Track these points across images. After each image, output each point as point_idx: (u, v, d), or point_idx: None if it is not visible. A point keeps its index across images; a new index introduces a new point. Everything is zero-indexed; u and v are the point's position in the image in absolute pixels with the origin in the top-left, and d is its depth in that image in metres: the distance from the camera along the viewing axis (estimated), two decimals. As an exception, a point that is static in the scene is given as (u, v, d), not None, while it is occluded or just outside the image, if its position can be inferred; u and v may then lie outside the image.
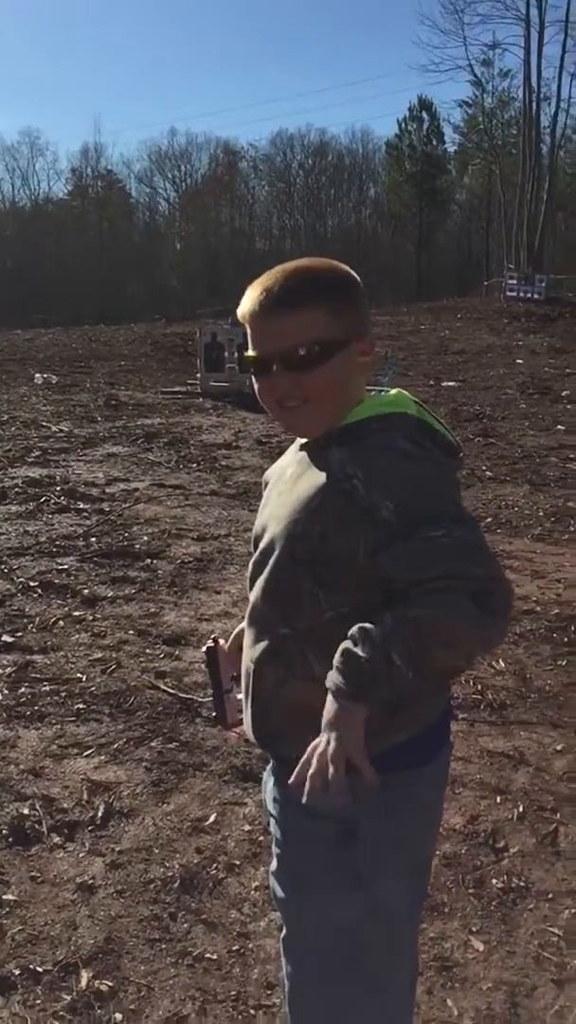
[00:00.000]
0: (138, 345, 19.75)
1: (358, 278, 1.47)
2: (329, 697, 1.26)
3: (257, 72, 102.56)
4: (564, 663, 4.19)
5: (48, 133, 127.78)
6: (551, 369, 15.62)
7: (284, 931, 1.51)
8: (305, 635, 1.37)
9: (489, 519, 6.65)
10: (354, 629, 1.25)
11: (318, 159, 62.74)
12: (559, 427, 10.42)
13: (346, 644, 1.25)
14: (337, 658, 1.25)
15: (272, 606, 1.42)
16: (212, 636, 1.45)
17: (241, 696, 1.52)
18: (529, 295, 26.37)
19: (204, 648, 1.57)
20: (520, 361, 16.76)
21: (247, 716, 1.50)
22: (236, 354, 12.41)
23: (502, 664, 4.15)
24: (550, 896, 2.64)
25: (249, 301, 1.41)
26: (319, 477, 1.37)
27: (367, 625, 1.24)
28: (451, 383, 14.09)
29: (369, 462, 1.32)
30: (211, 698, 1.76)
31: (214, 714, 1.78)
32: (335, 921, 1.41)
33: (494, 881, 2.69)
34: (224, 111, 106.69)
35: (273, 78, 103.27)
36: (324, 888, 1.41)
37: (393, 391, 1.47)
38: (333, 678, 1.25)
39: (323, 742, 1.24)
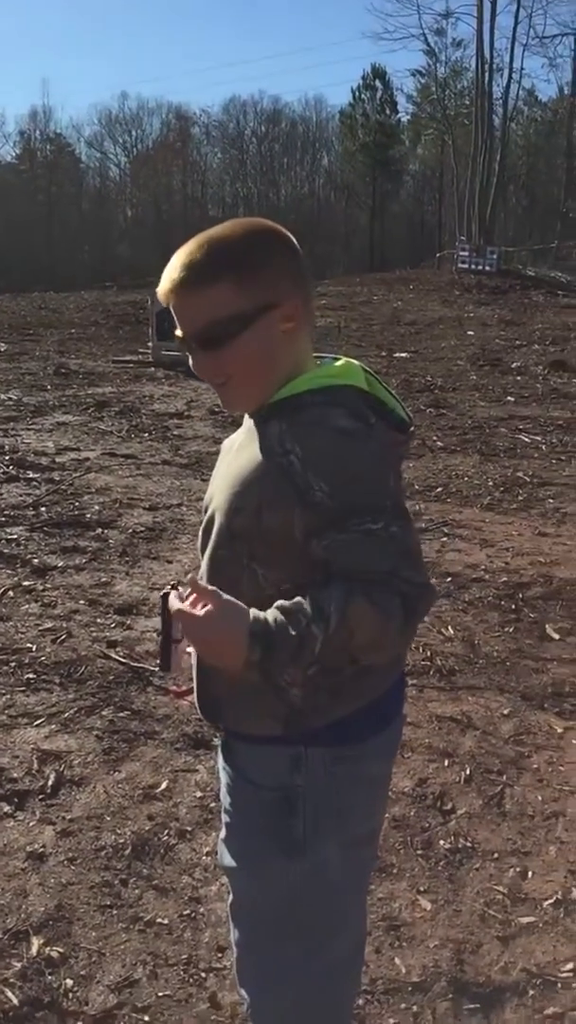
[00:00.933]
0: (88, 313, 19.46)
1: (275, 238, 1.37)
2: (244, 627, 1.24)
3: (210, 36, 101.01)
4: (511, 630, 4.25)
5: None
6: (501, 341, 15.71)
7: (230, 896, 1.53)
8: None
9: (439, 489, 6.70)
10: (291, 603, 1.24)
11: (271, 126, 62.08)
12: (509, 398, 10.51)
13: (279, 614, 1.24)
14: (270, 616, 1.24)
15: (214, 579, 1.39)
16: (171, 583, 1.42)
17: (191, 650, 1.53)
18: (480, 267, 26.43)
19: (161, 593, 1.56)
20: (471, 333, 16.84)
21: (195, 685, 1.50)
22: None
23: (451, 631, 4.21)
24: (495, 856, 2.70)
25: (162, 281, 1.35)
26: (257, 450, 1.33)
27: (303, 604, 1.23)
28: (403, 354, 14.11)
29: (306, 439, 1.27)
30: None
31: (158, 662, 1.76)
32: (275, 887, 1.43)
33: (441, 842, 2.74)
34: (176, 76, 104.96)
35: (226, 43, 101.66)
36: (265, 855, 1.42)
37: (341, 360, 1.40)
38: (255, 627, 1.23)
39: (208, 618, 1.25)
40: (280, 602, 1.25)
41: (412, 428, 1.43)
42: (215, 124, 61.83)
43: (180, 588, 1.56)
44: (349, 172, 58.70)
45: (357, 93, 56.04)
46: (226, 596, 1.26)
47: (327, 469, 1.24)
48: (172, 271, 1.33)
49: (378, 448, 1.29)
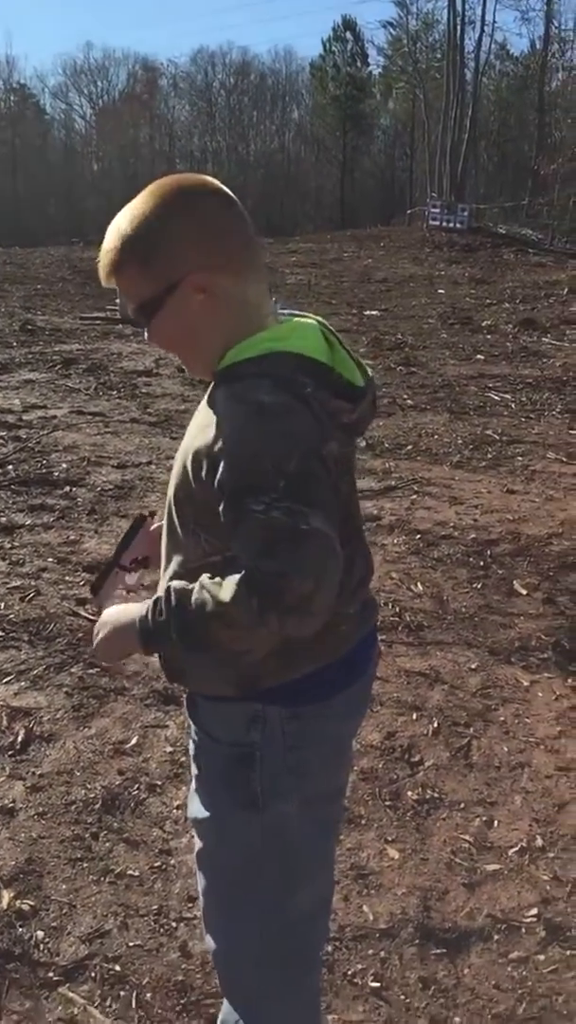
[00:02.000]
0: (55, 269, 19.17)
1: (178, 208, 1.33)
2: (136, 610, 1.31)
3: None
4: (479, 586, 4.29)
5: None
6: (472, 299, 15.67)
7: (196, 847, 1.54)
8: (195, 575, 1.27)
9: (409, 447, 6.71)
10: (181, 588, 1.25)
11: (240, 79, 60.98)
12: (479, 357, 10.51)
13: (160, 595, 1.27)
14: (159, 599, 1.27)
15: (168, 541, 1.42)
16: (150, 510, 1.40)
17: (131, 582, 1.52)
18: (452, 224, 26.26)
19: (135, 514, 1.54)
20: (442, 291, 16.78)
21: None
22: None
23: (420, 587, 4.23)
24: (462, 806, 2.74)
25: None
26: (201, 415, 1.34)
27: (179, 587, 1.25)
28: (373, 312, 14.04)
29: (226, 411, 1.25)
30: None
31: (93, 578, 1.71)
32: (235, 839, 1.45)
33: (409, 793, 2.78)
34: (143, 25, 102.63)
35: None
36: (226, 807, 1.44)
37: (290, 322, 1.37)
38: (141, 611, 1.30)
39: (99, 629, 1.41)
40: (176, 585, 1.26)
41: (367, 392, 1.38)
42: (183, 76, 60.69)
43: (155, 518, 1.54)
44: (319, 126, 57.88)
45: (328, 45, 55.15)
46: (115, 618, 1.39)
47: (231, 444, 1.22)
48: (100, 257, 1.36)
49: (292, 425, 1.22)
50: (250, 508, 1.18)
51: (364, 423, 1.42)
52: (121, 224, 1.34)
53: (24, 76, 63.00)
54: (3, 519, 4.95)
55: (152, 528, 1.65)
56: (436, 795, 2.78)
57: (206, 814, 1.48)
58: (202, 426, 1.31)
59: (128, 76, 60.60)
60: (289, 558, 1.16)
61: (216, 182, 1.40)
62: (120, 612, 1.39)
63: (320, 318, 1.44)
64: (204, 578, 1.23)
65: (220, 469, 1.22)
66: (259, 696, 1.36)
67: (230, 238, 1.35)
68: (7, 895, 2.31)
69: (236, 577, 1.18)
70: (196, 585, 1.23)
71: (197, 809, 1.50)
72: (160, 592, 1.29)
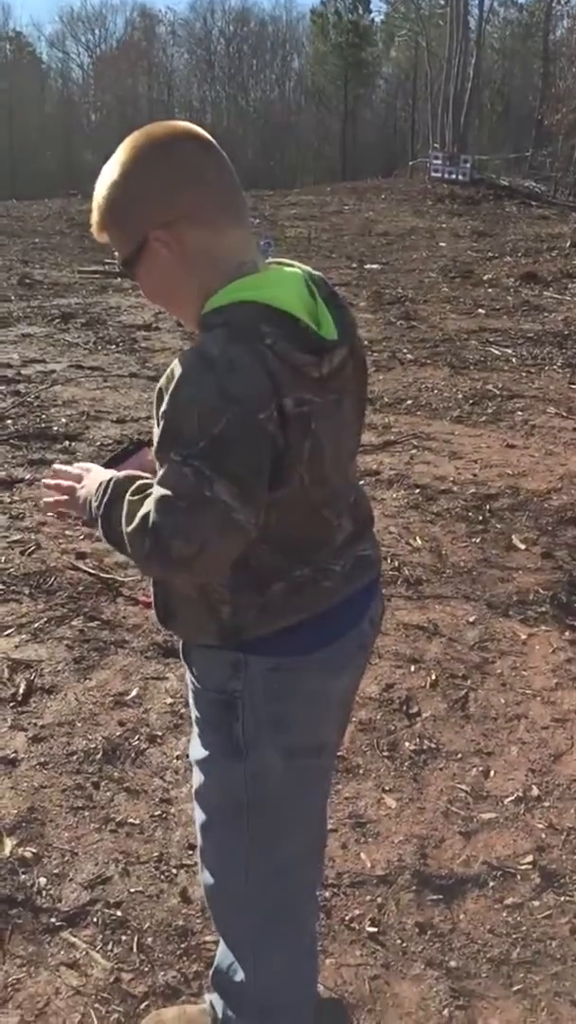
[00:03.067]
0: (53, 222, 18.94)
1: (143, 163, 1.33)
2: (103, 485, 1.42)
3: None
4: (478, 540, 4.29)
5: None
6: (473, 253, 15.51)
7: (193, 785, 1.58)
8: None
9: (409, 401, 6.68)
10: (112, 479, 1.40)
11: (240, 26, 59.83)
12: (480, 311, 10.42)
13: (103, 482, 1.42)
14: (102, 484, 1.42)
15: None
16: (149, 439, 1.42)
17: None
18: (454, 176, 25.91)
19: (135, 438, 1.54)
20: (443, 244, 16.59)
21: (153, 597, 1.52)
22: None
23: (419, 541, 4.24)
24: (459, 756, 2.77)
25: None
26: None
27: (117, 485, 1.38)
28: (374, 265, 13.90)
29: (183, 358, 1.26)
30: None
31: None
32: (223, 784, 1.48)
33: (407, 744, 2.81)
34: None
35: None
36: (215, 753, 1.48)
37: (268, 271, 1.36)
38: (93, 490, 1.44)
39: (76, 491, 1.51)
40: (115, 481, 1.41)
41: (339, 346, 1.35)
42: (181, 23, 59.53)
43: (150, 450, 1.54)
44: (320, 75, 56.85)
45: (329, -10, 53.99)
46: (90, 479, 1.49)
47: (174, 389, 1.23)
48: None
49: (232, 383, 1.21)
50: (170, 456, 1.22)
51: (344, 378, 1.38)
52: (99, 184, 1.38)
53: (20, 24, 61.78)
54: (3, 473, 4.94)
55: (148, 459, 1.64)
56: (433, 746, 2.81)
57: (199, 755, 1.51)
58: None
59: (126, 24, 59.50)
60: (181, 520, 1.21)
61: (191, 127, 1.39)
62: (94, 479, 1.48)
63: (308, 268, 1.42)
64: (144, 498, 1.31)
65: (163, 415, 1.25)
66: (242, 646, 1.39)
67: (198, 188, 1.34)
68: (10, 843, 2.35)
69: (144, 511, 1.27)
70: (128, 496, 1.34)
71: (194, 749, 1.54)
72: (107, 478, 1.42)
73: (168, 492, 1.22)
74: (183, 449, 1.21)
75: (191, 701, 1.52)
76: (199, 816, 1.56)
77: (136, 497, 1.33)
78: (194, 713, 1.53)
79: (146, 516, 1.25)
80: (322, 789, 1.59)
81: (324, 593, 1.42)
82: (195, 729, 1.54)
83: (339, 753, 2.71)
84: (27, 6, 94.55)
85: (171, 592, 1.45)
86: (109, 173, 1.36)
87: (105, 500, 1.39)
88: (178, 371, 1.24)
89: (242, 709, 1.41)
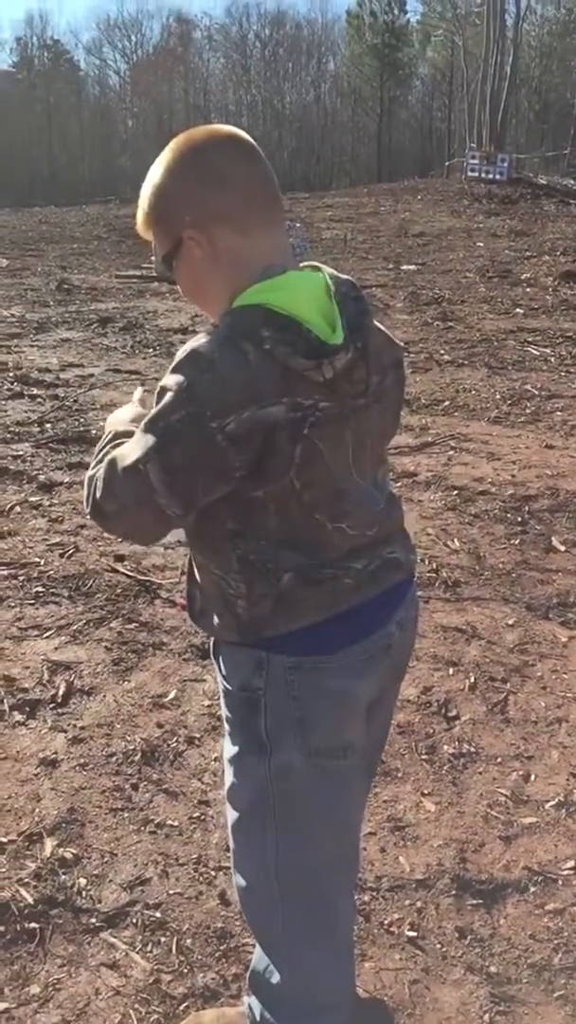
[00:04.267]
0: (91, 227, 19.13)
1: (181, 169, 1.39)
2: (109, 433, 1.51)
3: None
4: (517, 542, 4.26)
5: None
6: (511, 252, 15.40)
7: (225, 784, 1.59)
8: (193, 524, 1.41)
9: (447, 402, 6.65)
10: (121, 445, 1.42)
11: (276, 29, 59.94)
12: (518, 310, 10.35)
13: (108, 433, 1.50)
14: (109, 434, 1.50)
15: None
16: None
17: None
18: (491, 176, 25.73)
19: None
20: (480, 244, 16.50)
21: (186, 594, 1.57)
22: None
23: (457, 543, 4.21)
24: (499, 760, 2.74)
25: None
26: None
27: (115, 435, 1.46)
28: (410, 266, 13.86)
29: (182, 350, 1.32)
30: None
31: None
32: (249, 782, 1.49)
33: (446, 747, 2.79)
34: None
35: None
36: (242, 751, 1.48)
37: (286, 274, 1.37)
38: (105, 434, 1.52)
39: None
40: (115, 432, 1.49)
41: (343, 350, 1.32)
42: (217, 27, 59.78)
43: None
44: (356, 77, 56.77)
45: (365, -8, 53.93)
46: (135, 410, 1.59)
47: (166, 375, 1.31)
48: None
49: (203, 383, 1.25)
50: (143, 424, 1.31)
51: (358, 382, 1.37)
52: (144, 184, 1.44)
53: (58, 32, 62.37)
54: (42, 477, 4.99)
55: None
56: (472, 749, 2.79)
57: (229, 754, 1.52)
58: None
59: (162, 29, 59.89)
60: (115, 480, 1.34)
61: (232, 131, 1.43)
62: (113, 421, 1.59)
63: (332, 272, 1.42)
64: (117, 447, 1.39)
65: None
66: (264, 644, 1.40)
67: (231, 191, 1.38)
68: (50, 843, 2.37)
69: (107, 460, 1.37)
70: (108, 444, 1.44)
71: (225, 748, 1.55)
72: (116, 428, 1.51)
73: (118, 454, 1.35)
74: (148, 423, 1.30)
75: (221, 700, 1.53)
76: (230, 816, 1.56)
77: (107, 448, 1.44)
78: (224, 712, 1.53)
79: (98, 465, 1.39)
80: (351, 791, 1.56)
81: (344, 590, 1.41)
82: (225, 728, 1.55)
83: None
84: (65, 14, 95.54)
85: (198, 588, 1.48)
86: (152, 174, 1.42)
87: (100, 444, 1.49)
88: (176, 358, 1.31)
89: (265, 707, 1.42)
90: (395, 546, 1.51)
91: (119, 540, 4.32)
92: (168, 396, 1.27)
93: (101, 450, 1.45)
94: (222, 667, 1.50)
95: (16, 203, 26.98)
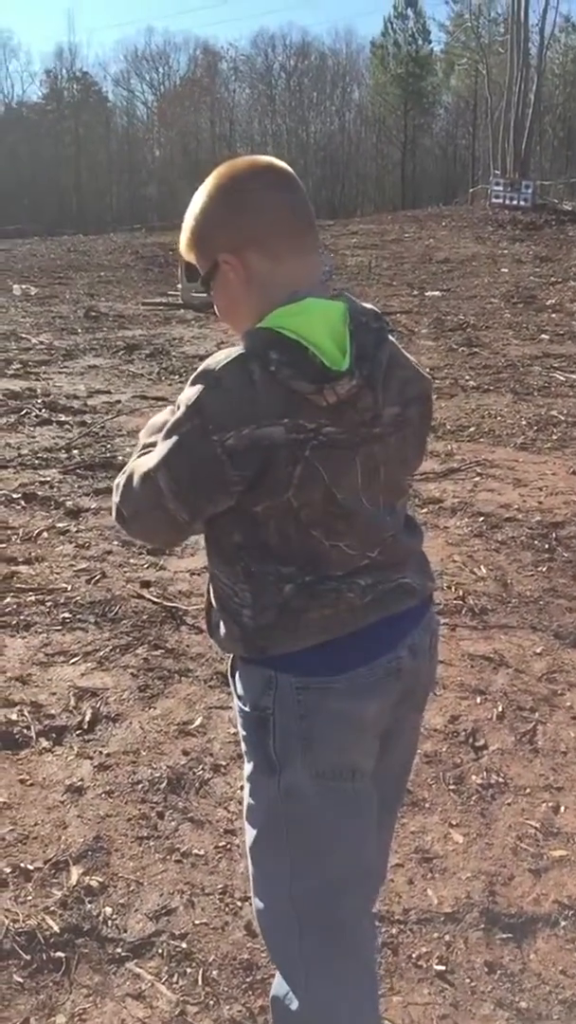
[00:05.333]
0: (118, 255, 19.34)
1: (218, 198, 1.45)
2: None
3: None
4: (544, 569, 4.23)
5: (21, 33, 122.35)
6: (536, 278, 15.41)
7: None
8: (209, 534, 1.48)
9: (472, 428, 6.64)
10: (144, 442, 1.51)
11: (300, 60, 60.62)
12: (543, 336, 10.34)
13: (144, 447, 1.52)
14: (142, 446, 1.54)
15: None
16: None
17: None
18: (515, 202, 25.80)
19: None
20: (505, 270, 16.52)
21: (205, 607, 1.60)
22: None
23: (483, 570, 4.19)
24: (527, 791, 2.71)
25: None
26: None
27: (143, 455, 1.47)
28: (435, 292, 13.90)
29: (198, 367, 1.39)
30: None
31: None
32: (261, 801, 1.50)
33: (473, 777, 2.76)
34: (202, 9, 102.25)
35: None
36: (255, 770, 1.50)
37: (305, 300, 1.39)
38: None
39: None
40: (143, 443, 1.53)
41: (346, 377, 1.34)
42: (243, 58, 60.56)
43: None
44: (380, 105, 57.25)
45: (389, 23, 54.51)
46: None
47: (185, 389, 1.39)
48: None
49: (209, 399, 1.32)
50: (161, 435, 1.40)
51: (363, 410, 1.38)
52: (188, 210, 1.49)
53: (86, 64, 63.42)
54: (69, 503, 5.02)
55: None
56: (501, 780, 2.76)
57: (246, 774, 1.54)
58: None
59: (189, 61, 60.75)
60: (133, 486, 1.43)
61: (271, 162, 1.49)
62: (151, 426, 1.60)
63: (352, 300, 1.43)
64: (141, 456, 1.46)
65: None
66: (273, 663, 1.43)
67: (265, 218, 1.44)
68: (76, 871, 2.36)
69: (129, 468, 1.46)
70: (143, 451, 1.49)
71: (245, 768, 1.56)
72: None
73: (138, 462, 1.44)
74: (165, 433, 1.38)
75: (238, 720, 1.55)
76: (248, 836, 1.57)
77: (134, 457, 1.51)
78: (240, 731, 1.55)
79: (122, 475, 1.48)
80: (361, 814, 1.55)
81: (348, 606, 1.42)
82: (242, 748, 1.56)
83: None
84: (93, 46, 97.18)
85: (211, 600, 1.52)
86: (195, 200, 1.49)
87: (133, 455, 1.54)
88: (192, 374, 1.38)
89: (274, 726, 1.44)
90: (408, 572, 1.52)
91: (141, 545, 4.36)
92: (180, 410, 1.36)
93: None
94: (237, 686, 1.52)
95: (45, 232, 27.35)
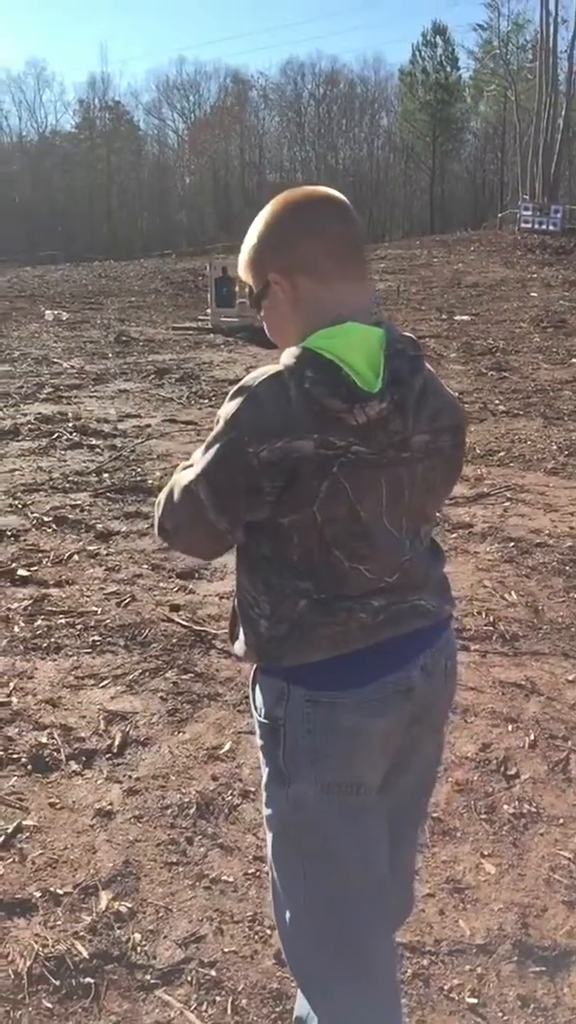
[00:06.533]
0: (148, 281, 19.54)
1: (272, 222, 1.52)
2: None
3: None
4: (577, 595, 4.19)
5: (54, 63, 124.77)
6: (566, 302, 15.38)
7: None
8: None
9: (502, 453, 6.61)
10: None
11: (329, 88, 61.19)
12: (573, 360, 10.30)
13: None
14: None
15: None
16: None
17: None
18: (544, 226, 25.84)
19: None
20: (534, 294, 16.51)
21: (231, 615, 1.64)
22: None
23: (514, 596, 4.16)
24: (561, 821, 2.67)
25: None
26: None
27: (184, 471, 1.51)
28: (464, 317, 13.90)
29: (239, 383, 1.45)
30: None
31: None
32: (273, 810, 1.54)
33: (505, 807, 2.73)
34: (232, 38, 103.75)
35: (283, 3, 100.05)
36: (268, 779, 1.54)
37: (345, 324, 1.43)
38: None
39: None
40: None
41: (377, 399, 1.37)
42: (272, 87, 61.21)
43: None
44: (409, 132, 57.60)
45: (418, 51, 54.93)
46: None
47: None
48: None
49: (247, 413, 1.38)
50: (200, 451, 1.46)
51: (392, 432, 1.40)
52: (248, 233, 1.57)
53: (118, 93, 64.34)
54: (100, 526, 5.05)
55: None
56: (533, 809, 2.72)
57: (262, 782, 1.56)
58: None
59: (219, 89, 61.51)
60: (171, 501, 1.50)
61: (329, 192, 1.55)
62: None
63: (388, 328, 1.46)
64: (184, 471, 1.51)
65: None
66: (286, 675, 1.47)
67: (316, 243, 1.49)
68: (106, 897, 2.35)
69: (170, 483, 1.52)
70: (184, 467, 1.53)
71: (262, 777, 1.58)
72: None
73: (178, 477, 1.50)
74: (204, 447, 1.44)
75: (256, 731, 1.58)
76: (268, 848, 1.60)
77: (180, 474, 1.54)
78: (258, 741, 1.57)
79: (163, 491, 1.54)
80: (367, 828, 1.55)
81: (359, 625, 1.45)
82: (260, 757, 1.58)
83: (434, 814, 2.66)
84: (126, 76, 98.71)
85: (235, 608, 1.56)
86: (254, 223, 1.56)
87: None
88: (232, 389, 1.44)
89: (284, 737, 1.48)
90: (425, 595, 1.53)
91: (171, 568, 4.39)
92: (219, 424, 1.41)
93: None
94: (256, 697, 1.55)
95: (77, 258, 27.69)
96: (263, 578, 1.47)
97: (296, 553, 1.43)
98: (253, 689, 1.57)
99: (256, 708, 1.55)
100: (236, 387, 1.42)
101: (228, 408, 1.41)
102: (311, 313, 1.48)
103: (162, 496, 1.53)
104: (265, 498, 1.38)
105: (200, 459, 1.44)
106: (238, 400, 1.40)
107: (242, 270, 1.59)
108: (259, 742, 1.56)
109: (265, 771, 1.54)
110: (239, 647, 1.55)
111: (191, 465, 1.50)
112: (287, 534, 1.42)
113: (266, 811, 1.58)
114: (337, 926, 1.53)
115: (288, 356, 1.41)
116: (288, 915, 1.58)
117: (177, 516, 1.49)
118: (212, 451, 1.42)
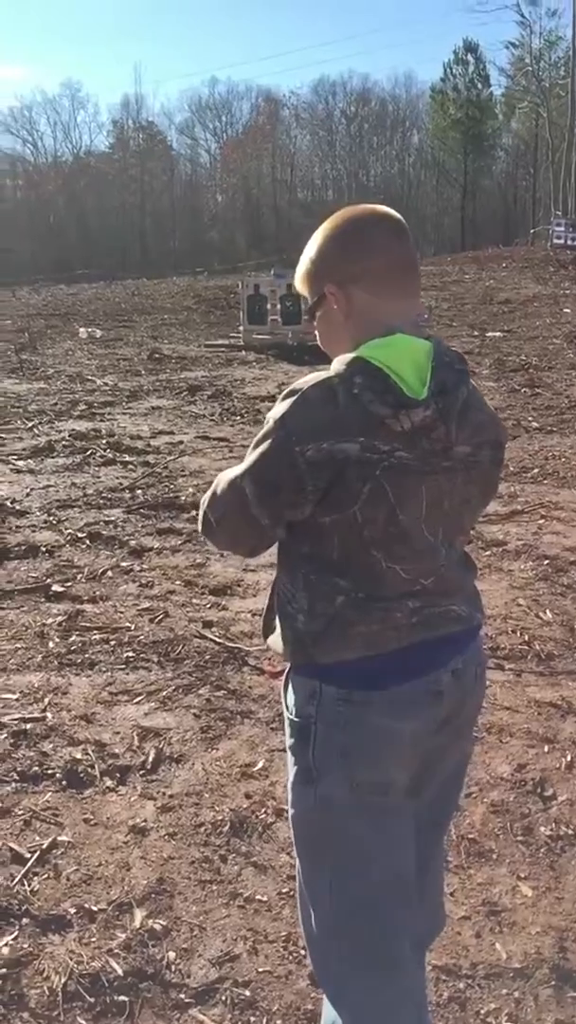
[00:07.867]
0: (181, 298, 19.68)
1: (329, 240, 1.57)
2: None
3: (299, 17, 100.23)
4: (613, 614, 4.14)
5: (89, 85, 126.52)
6: (600, 318, 15.29)
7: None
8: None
9: (535, 470, 6.57)
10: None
11: (361, 106, 61.47)
12: (608, 377, 10.23)
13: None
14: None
15: None
16: None
17: None
18: (577, 243, 25.72)
19: None
20: (567, 311, 16.43)
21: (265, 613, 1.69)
22: (279, 305, 12.35)
23: (549, 615, 4.12)
24: (599, 844, 2.64)
25: None
26: None
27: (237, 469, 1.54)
28: (496, 333, 13.87)
29: (289, 386, 1.49)
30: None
31: None
32: (299, 808, 1.57)
33: (542, 829, 2.70)
34: (265, 59, 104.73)
35: (315, 23, 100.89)
36: (295, 777, 1.56)
37: (396, 335, 1.48)
38: None
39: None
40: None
41: (422, 406, 1.42)
42: (304, 106, 61.59)
43: None
44: (440, 149, 57.69)
45: (449, 69, 55.06)
46: None
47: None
48: None
49: (296, 416, 1.42)
50: (249, 449, 1.50)
51: (436, 440, 1.45)
52: (306, 247, 1.62)
53: (152, 113, 65.03)
54: (133, 542, 5.08)
55: None
56: (571, 831, 2.69)
57: (290, 782, 1.58)
58: None
59: (251, 108, 61.98)
60: (220, 493, 1.54)
61: (386, 211, 1.61)
62: None
63: (437, 342, 1.52)
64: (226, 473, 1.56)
65: None
66: (319, 673, 1.50)
67: (372, 259, 1.54)
68: (140, 914, 2.35)
69: (217, 479, 1.57)
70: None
71: (288, 775, 1.60)
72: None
73: (225, 473, 1.55)
74: (253, 445, 1.48)
75: (285, 729, 1.60)
76: (296, 845, 1.62)
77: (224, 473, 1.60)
78: (287, 740, 1.58)
79: (210, 486, 1.59)
80: (394, 829, 1.56)
81: (394, 624, 1.48)
82: (287, 757, 1.59)
83: (469, 835, 2.63)
84: (159, 97, 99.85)
85: (273, 604, 1.60)
86: (313, 237, 1.62)
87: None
88: (282, 393, 1.49)
89: (314, 736, 1.50)
90: (457, 601, 1.57)
91: (216, 574, 4.40)
92: (268, 423, 1.45)
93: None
94: (288, 696, 1.57)
95: (110, 276, 27.98)
96: (303, 574, 1.50)
97: (336, 552, 1.46)
98: (285, 691, 1.60)
99: (287, 707, 1.57)
100: (287, 390, 1.47)
101: (278, 409, 1.45)
102: (363, 325, 1.52)
103: (207, 494, 1.58)
104: (308, 497, 1.42)
105: (248, 456, 1.48)
106: (288, 401, 1.44)
107: (299, 281, 1.64)
108: (288, 741, 1.58)
109: (293, 770, 1.56)
110: (275, 641, 1.58)
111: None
112: (328, 533, 1.45)
113: (291, 811, 1.60)
114: (361, 927, 1.55)
115: (339, 363, 1.46)
116: (313, 916, 1.60)
117: (222, 508, 1.54)
118: (260, 448, 1.46)
